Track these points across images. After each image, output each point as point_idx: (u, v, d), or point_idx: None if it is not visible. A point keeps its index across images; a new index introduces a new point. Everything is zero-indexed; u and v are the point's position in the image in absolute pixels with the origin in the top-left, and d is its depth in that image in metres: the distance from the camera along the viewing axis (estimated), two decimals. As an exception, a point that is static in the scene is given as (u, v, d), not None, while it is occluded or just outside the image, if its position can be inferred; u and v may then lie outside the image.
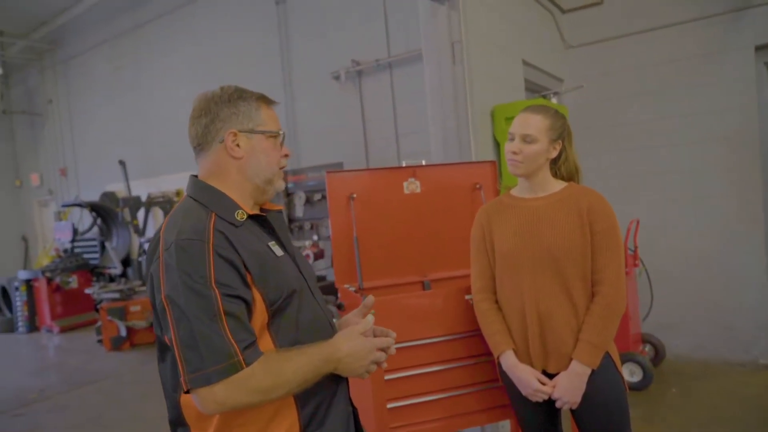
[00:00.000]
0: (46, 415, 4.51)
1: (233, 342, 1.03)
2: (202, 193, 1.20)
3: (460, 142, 2.90)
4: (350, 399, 1.32)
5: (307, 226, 5.86)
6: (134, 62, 8.26)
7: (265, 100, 1.26)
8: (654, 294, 4.29)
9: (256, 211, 1.24)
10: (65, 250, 8.76)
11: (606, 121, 4.68)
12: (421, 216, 2.58)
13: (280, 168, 1.28)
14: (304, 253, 4.98)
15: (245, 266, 1.10)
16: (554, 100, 4.37)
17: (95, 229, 8.58)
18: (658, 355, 4.27)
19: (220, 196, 1.19)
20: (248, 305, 1.10)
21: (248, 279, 1.11)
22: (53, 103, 9.95)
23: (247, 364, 1.04)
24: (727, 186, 4.24)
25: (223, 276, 1.07)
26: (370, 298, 1.35)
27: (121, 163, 7.97)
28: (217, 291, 1.05)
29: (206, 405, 1.04)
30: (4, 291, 8.46)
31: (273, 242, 1.23)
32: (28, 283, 8.03)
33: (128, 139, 8.34)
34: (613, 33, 4.55)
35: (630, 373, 3.85)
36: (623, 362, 3.86)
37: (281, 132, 1.27)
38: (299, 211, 5.87)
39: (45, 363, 6.48)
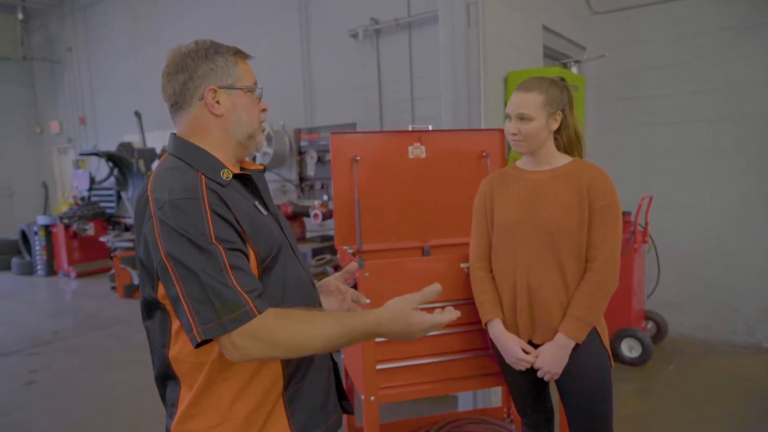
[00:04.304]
0: (59, 355, 4.70)
1: (243, 292, 1.03)
2: (186, 152, 1.18)
3: (469, 109, 2.84)
4: (331, 354, 1.34)
5: (317, 185, 5.87)
6: (153, 13, 8.18)
7: (241, 55, 1.23)
8: (661, 271, 4.26)
9: (236, 169, 1.23)
10: (82, 198, 8.92)
11: (625, 93, 4.55)
12: (424, 182, 2.56)
13: (260, 122, 1.26)
14: (312, 213, 5.01)
15: (238, 223, 1.11)
16: (574, 69, 4.24)
17: (112, 178, 8.70)
18: (660, 332, 4.27)
19: (204, 155, 1.18)
20: (248, 259, 1.11)
21: (243, 236, 1.11)
22: (73, 50, 9.94)
23: (260, 312, 1.04)
24: (744, 166, 4.13)
25: (222, 232, 1.06)
26: (353, 265, 1.35)
27: (137, 114, 7.99)
28: (219, 246, 1.04)
29: (229, 353, 1.05)
30: (25, 235, 8.70)
31: (257, 201, 1.23)
32: (47, 229, 8.23)
33: (145, 90, 8.33)
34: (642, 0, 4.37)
35: (629, 349, 3.86)
36: (623, 337, 3.87)
37: (259, 87, 1.25)
38: (310, 170, 5.87)
39: (61, 306, 6.71)
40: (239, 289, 1.03)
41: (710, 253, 4.32)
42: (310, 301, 1.26)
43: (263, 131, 1.29)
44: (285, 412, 1.19)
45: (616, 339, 3.88)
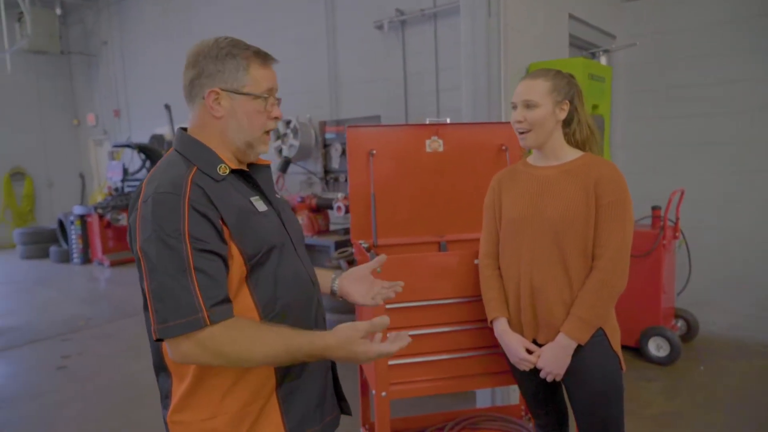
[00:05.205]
0: (91, 341, 4.86)
1: (200, 297, 1.03)
2: (187, 147, 1.19)
3: (489, 101, 2.78)
4: None
5: (342, 178, 5.87)
6: (184, 5, 8.30)
7: (258, 59, 1.19)
8: (692, 268, 4.11)
9: (240, 166, 1.22)
10: (116, 189, 9.17)
11: (656, 83, 4.40)
12: (442, 176, 2.52)
13: (267, 131, 1.23)
14: (335, 206, 5.01)
15: (222, 220, 1.10)
16: (602, 60, 4.11)
17: (144, 170, 8.90)
18: (691, 331, 4.14)
19: (204, 150, 1.18)
20: (225, 260, 1.09)
21: (225, 234, 1.10)
22: (108, 44, 10.18)
23: (212, 322, 1.03)
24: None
25: (197, 230, 1.06)
26: (383, 257, 1.33)
27: (167, 107, 8.14)
28: (189, 245, 1.04)
29: (173, 356, 1.08)
30: (62, 224, 9.01)
31: (257, 197, 1.22)
32: (83, 218, 8.50)
33: (176, 82, 8.44)
34: (676, -14, 4.21)
35: (657, 348, 3.75)
36: (651, 336, 3.76)
37: (265, 96, 1.19)
38: (335, 163, 5.87)
39: (94, 294, 6.92)
40: (198, 293, 1.03)
41: (744, 249, 4.15)
42: (307, 298, 1.25)
43: (266, 142, 1.25)
44: (279, 408, 1.20)
45: (644, 337, 3.78)
